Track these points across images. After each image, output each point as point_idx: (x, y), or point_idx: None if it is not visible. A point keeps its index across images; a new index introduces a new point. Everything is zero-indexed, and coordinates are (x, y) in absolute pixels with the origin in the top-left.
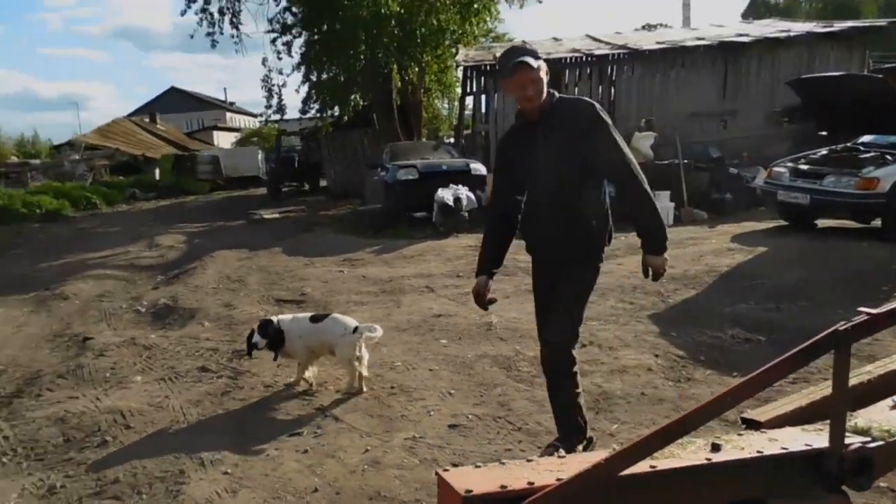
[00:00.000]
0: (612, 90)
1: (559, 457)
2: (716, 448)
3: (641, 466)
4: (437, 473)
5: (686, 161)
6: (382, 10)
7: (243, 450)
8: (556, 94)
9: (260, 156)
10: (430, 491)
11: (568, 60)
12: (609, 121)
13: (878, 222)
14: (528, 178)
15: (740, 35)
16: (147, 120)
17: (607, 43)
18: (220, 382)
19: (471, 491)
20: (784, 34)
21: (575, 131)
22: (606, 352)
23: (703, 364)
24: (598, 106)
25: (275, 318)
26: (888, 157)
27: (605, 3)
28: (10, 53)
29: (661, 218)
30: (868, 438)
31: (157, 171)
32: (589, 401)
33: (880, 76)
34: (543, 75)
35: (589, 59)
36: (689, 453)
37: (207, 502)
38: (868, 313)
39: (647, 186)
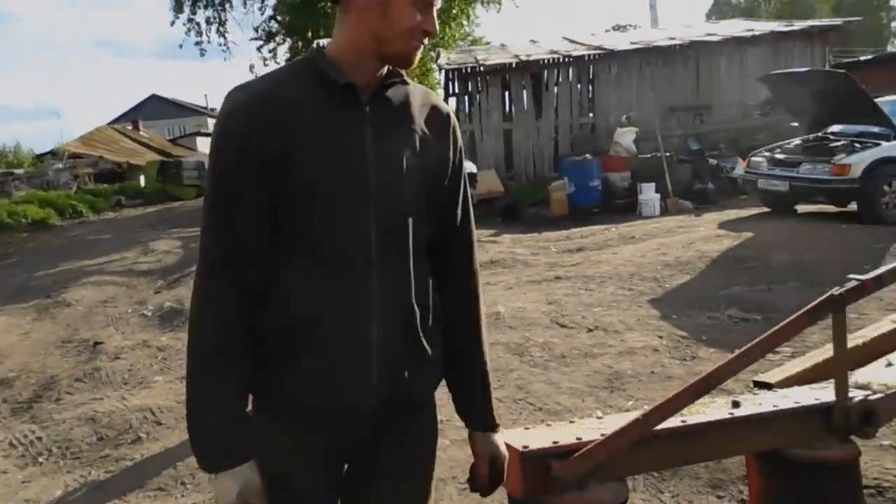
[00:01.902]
0: (591, 89)
1: (597, 417)
2: (736, 405)
3: (673, 422)
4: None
5: (668, 154)
6: None
7: None
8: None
9: None
10: (464, 468)
11: (547, 61)
12: None
13: (853, 206)
14: (324, 211)
15: (709, 34)
16: (130, 127)
17: (583, 44)
18: None
19: (528, 447)
20: (749, 33)
21: (442, 143)
22: (613, 335)
23: (705, 343)
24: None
25: None
26: (856, 144)
27: (576, 5)
28: None
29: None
30: (869, 392)
31: (143, 178)
32: (601, 381)
33: (842, 71)
34: None
35: (567, 59)
36: (713, 410)
37: None
38: (858, 279)
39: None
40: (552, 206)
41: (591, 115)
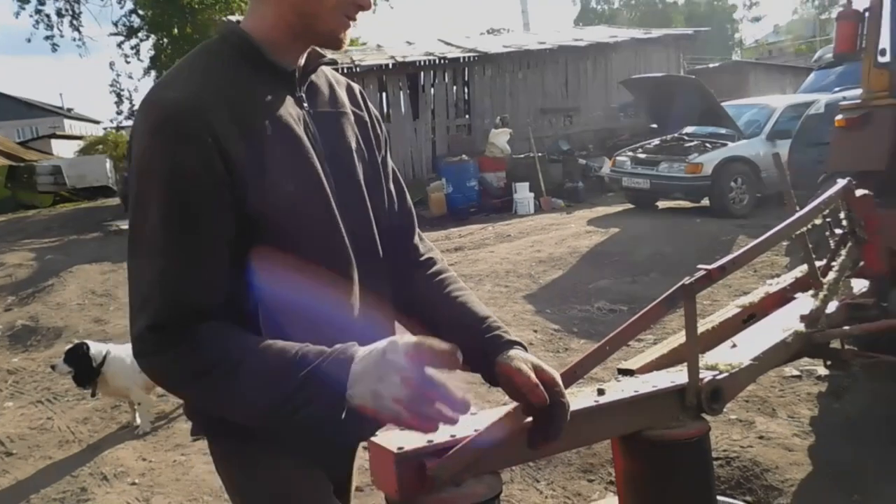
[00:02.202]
0: (467, 90)
1: (472, 413)
2: (601, 392)
3: None
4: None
5: (540, 154)
6: (235, 14)
7: (147, 459)
8: None
9: (108, 164)
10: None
11: (423, 63)
12: None
13: (707, 201)
14: (304, 223)
15: (576, 40)
16: None
17: (458, 46)
18: (107, 398)
19: (402, 448)
20: (613, 39)
21: (370, 119)
22: None
23: (576, 335)
24: None
25: (95, 345)
26: (708, 144)
27: (451, 8)
28: None
29: None
30: (717, 372)
31: None
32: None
33: (693, 77)
34: None
35: (443, 61)
36: (580, 399)
37: None
38: (705, 269)
39: None
40: (431, 207)
41: (466, 116)
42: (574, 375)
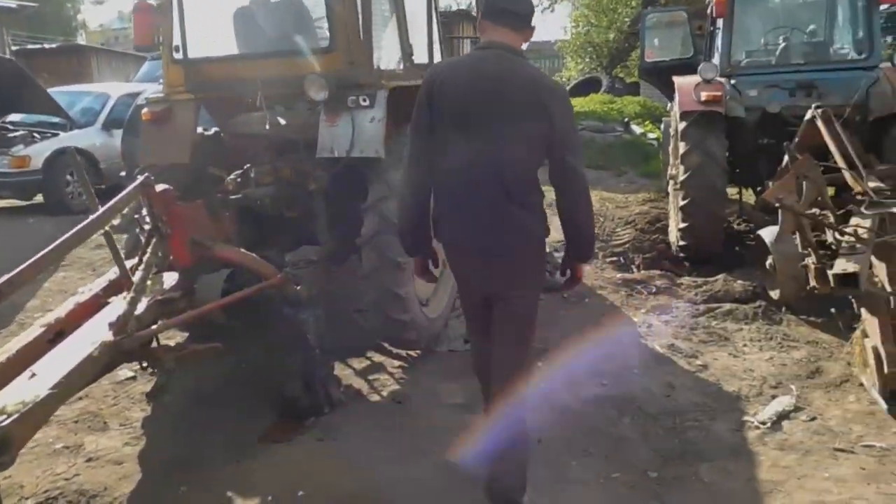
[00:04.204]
0: None
1: None
2: None
3: None
4: None
5: None
6: None
7: None
8: None
9: None
10: None
11: None
12: None
13: (41, 198)
14: None
15: None
16: None
17: None
18: None
19: None
20: None
21: None
22: None
23: None
24: None
25: None
26: (36, 135)
27: None
28: None
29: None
30: (3, 416)
31: None
32: None
33: (9, 58)
34: None
35: None
36: None
37: None
38: None
39: None
40: None
41: None
42: None
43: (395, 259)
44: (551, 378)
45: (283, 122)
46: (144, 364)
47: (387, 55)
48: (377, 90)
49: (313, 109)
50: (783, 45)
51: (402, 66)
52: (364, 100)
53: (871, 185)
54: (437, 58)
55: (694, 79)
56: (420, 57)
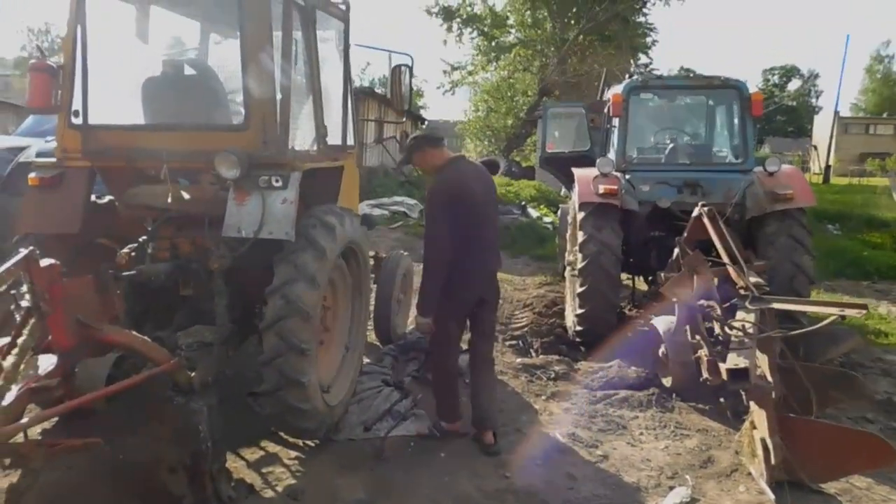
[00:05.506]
0: None
1: None
2: None
3: None
4: None
5: None
6: None
7: None
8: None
9: None
10: None
11: None
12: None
13: None
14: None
15: None
16: None
17: None
18: None
19: None
20: None
21: None
22: None
23: None
24: None
25: None
26: None
27: None
28: None
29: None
30: None
31: None
32: None
33: None
34: None
35: None
36: None
37: None
38: None
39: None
40: None
41: None
42: None
43: (299, 345)
44: (453, 469)
45: (186, 196)
46: (8, 462)
47: (301, 135)
48: (291, 171)
49: (221, 186)
50: (671, 145)
51: (315, 148)
52: (277, 180)
53: (752, 279)
54: (350, 140)
55: (592, 171)
56: (333, 138)
